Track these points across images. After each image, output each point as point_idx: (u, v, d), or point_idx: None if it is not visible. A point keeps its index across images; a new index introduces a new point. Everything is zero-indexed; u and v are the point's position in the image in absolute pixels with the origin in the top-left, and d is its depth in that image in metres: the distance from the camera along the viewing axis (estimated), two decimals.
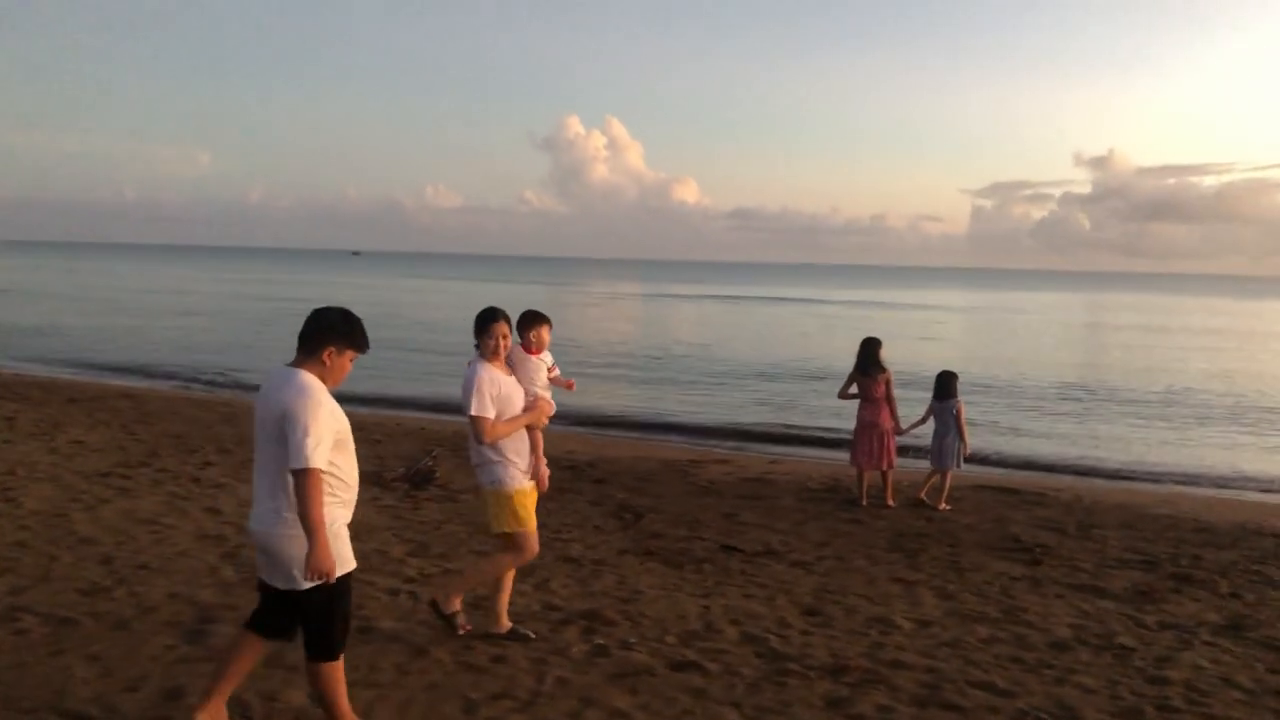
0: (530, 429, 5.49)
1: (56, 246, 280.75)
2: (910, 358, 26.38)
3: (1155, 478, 13.91)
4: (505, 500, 5.40)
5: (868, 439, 10.24)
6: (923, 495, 10.40)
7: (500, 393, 5.28)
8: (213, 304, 51.50)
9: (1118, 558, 8.51)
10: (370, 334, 4.20)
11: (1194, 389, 25.28)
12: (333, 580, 3.88)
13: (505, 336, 5.39)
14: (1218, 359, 34.26)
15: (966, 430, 10.37)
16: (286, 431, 3.84)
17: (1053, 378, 27.00)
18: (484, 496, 5.49)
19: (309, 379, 3.98)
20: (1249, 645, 6.34)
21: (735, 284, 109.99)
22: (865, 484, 10.36)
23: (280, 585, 4.03)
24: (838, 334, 40.28)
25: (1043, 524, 9.76)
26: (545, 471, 5.62)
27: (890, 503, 10.27)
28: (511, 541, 5.48)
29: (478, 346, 5.41)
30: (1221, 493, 12.49)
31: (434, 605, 5.71)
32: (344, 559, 4.03)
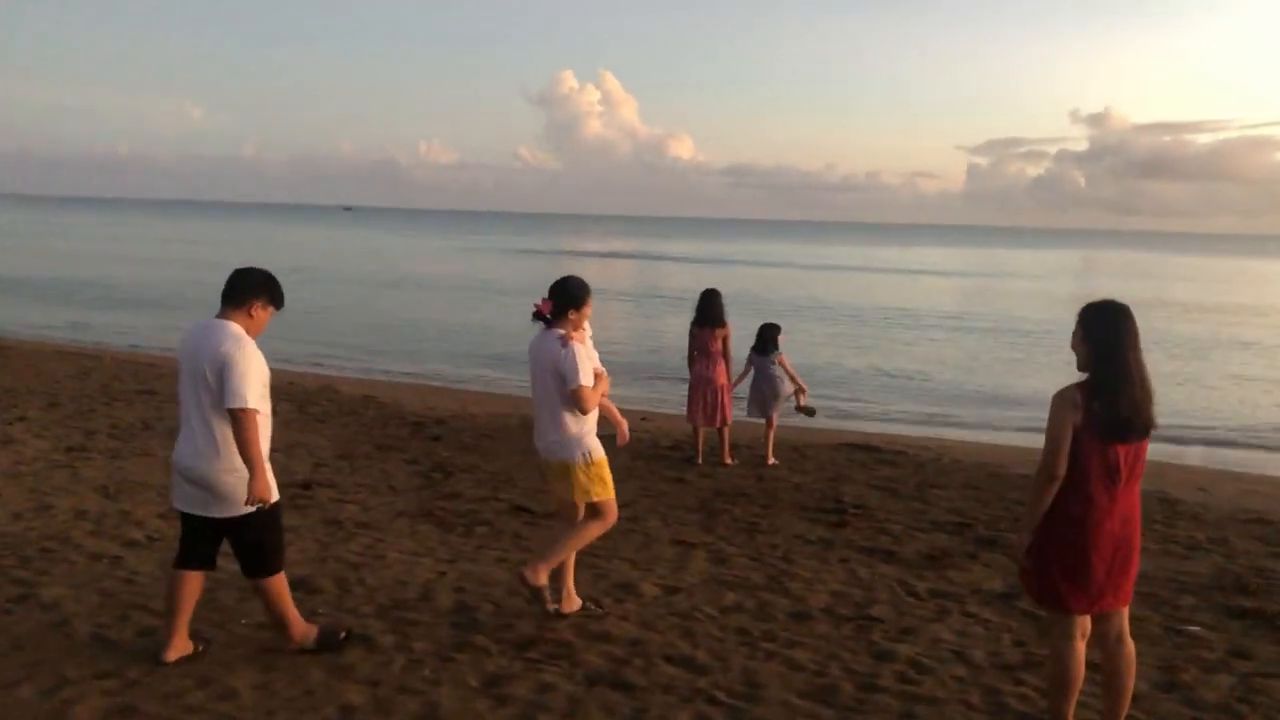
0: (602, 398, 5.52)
1: (47, 201, 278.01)
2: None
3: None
4: (599, 469, 5.34)
5: (702, 395, 9.74)
6: (771, 459, 9.92)
7: (591, 366, 5.29)
8: (183, 259, 50.76)
9: (934, 520, 8.05)
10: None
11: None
12: (268, 505, 4.44)
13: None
14: (1188, 321, 33.81)
15: (799, 378, 9.95)
16: (224, 376, 4.25)
17: (1013, 335, 26.57)
18: (573, 470, 5.29)
19: (240, 330, 4.42)
20: (1011, 615, 5.88)
21: (730, 242, 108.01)
22: (701, 441, 9.88)
23: (218, 514, 4.47)
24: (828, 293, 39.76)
25: (880, 483, 9.30)
26: (624, 426, 5.71)
27: (727, 460, 9.80)
28: (600, 509, 5.42)
29: (544, 317, 5.27)
30: None
31: (522, 578, 5.35)
32: (272, 488, 4.47)
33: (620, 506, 8.02)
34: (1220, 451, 13.00)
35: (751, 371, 10.18)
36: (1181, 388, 18.57)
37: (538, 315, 5.31)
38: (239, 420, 4.27)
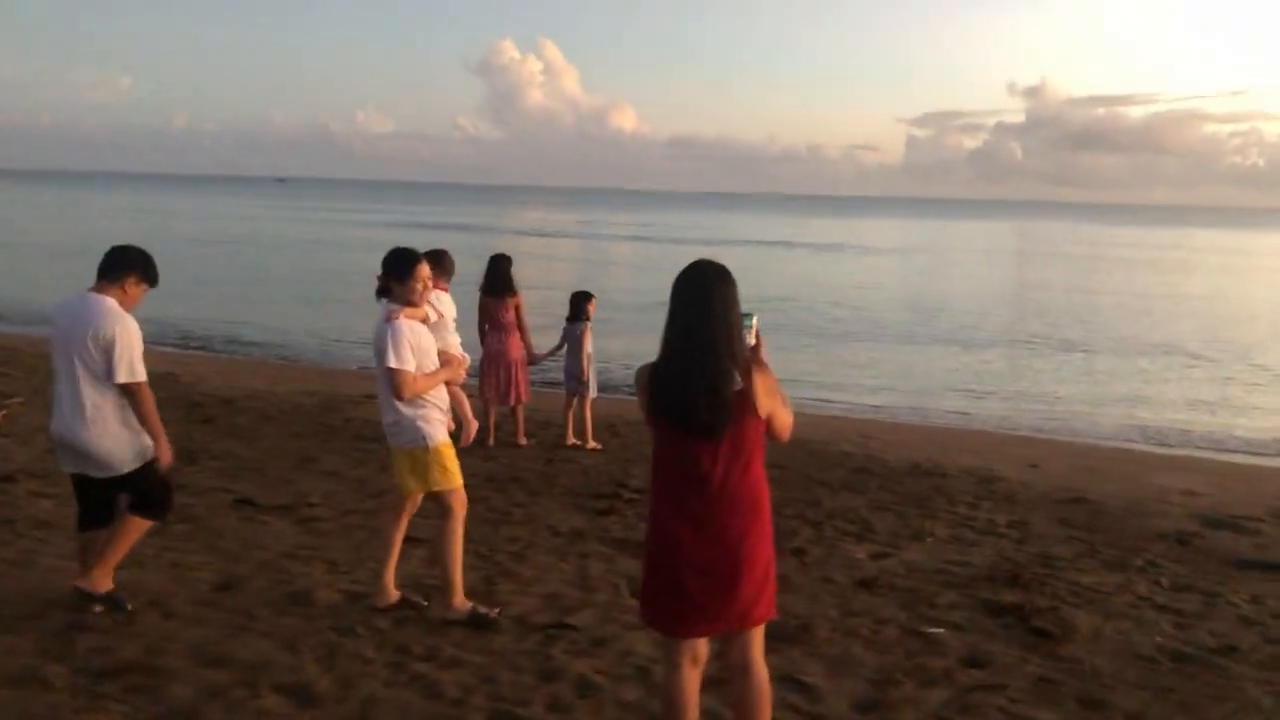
0: (449, 385, 5.06)
1: None
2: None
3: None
4: (432, 457, 4.87)
5: (494, 371, 8.90)
6: (570, 439, 9.13)
7: (420, 344, 4.80)
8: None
9: None
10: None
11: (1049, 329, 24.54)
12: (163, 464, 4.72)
13: (429, 280, 4.94)
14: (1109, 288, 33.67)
15: (587, 359, 9.09)
16: (111, 353, 4.41)
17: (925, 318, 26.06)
18: (404, 457, 4.89)
19: (116, 305, 4.51)
20: None
21: (670, 214, 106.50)
22: (493, 421, 9.04)
23: (101, 475, 4.64)
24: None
25: None
26: (474, 427, 5.33)
27: (521, 442, 9.00)
28: (447, 499, 4.95)
29: (384, 292, 4.82)
30: (937, 425, 11.42)
31: (451, 622, 4.95)
32: (149, 448, 4.71)
33: (368, 498, 7.27)
34: (1067, 425, 12.48)
35: (565, 344, 9.38)
36: (1051, 358, 18.22)
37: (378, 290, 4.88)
38: (134, 393, 4.49)
